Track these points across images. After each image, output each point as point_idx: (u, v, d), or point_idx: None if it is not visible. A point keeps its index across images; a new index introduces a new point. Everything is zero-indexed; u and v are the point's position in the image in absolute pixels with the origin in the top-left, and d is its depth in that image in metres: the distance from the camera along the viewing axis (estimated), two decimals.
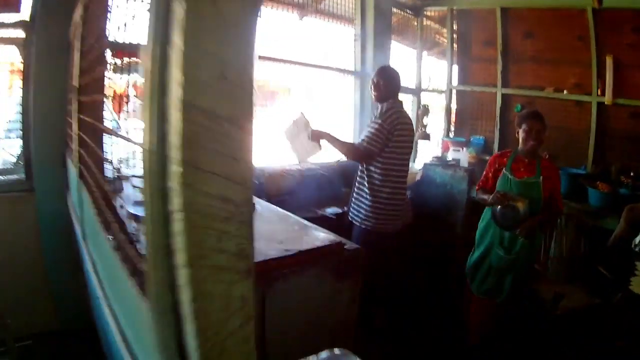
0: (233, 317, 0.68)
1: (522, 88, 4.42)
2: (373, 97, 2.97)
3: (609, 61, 3.73)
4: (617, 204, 3.15)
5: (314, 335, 1.59)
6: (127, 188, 2.31)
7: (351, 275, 1.77)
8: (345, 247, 1.79)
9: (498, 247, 2.76)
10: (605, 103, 3.84)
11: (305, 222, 2.03)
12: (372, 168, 2.83)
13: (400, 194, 2.92)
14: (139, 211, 1.84)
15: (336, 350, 1.19)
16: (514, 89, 4.49)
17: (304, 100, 4.03)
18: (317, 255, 1.66)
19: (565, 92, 4.13)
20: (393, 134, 2.79)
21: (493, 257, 2.78)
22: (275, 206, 2.28)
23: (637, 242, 2.49)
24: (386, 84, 2.91)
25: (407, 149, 2.94)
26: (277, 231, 1.84)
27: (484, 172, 3.02)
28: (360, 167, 2.93)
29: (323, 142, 2.90)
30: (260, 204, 2.22)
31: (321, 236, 1.82)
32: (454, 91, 4.98)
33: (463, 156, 4.21)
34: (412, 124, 2.99)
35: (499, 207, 2.67)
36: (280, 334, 1.50)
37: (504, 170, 2.82)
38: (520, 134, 2.78)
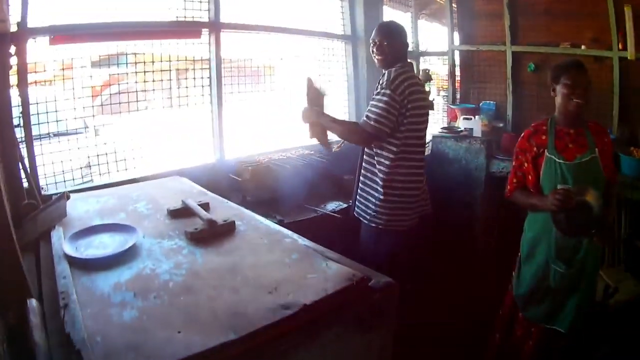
0: None
1: (535, 45, 3.98)
2: (377, 62, 2.39)
3: (627, 12, 3.32)
4: None
5: None
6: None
7: (383, 321, 1.24)
8: (371, 283, 1.23)
9: (555, 262, 2.09)
10: (628, 58, 3.44)
11: (306, 242, 1.47)
12: (383, 152, 2.28)
13: (417, 181, 2.38)
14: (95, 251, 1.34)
15: None
16: (524, 46, 4.05)
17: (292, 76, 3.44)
18: (332, 307, 1.12)
19: (583, 47, 3.70)
20: (407, 106, 2.22)
21: (552, 276, 2.11)
22: (262, 218, 1.72)
23: None
24: (392, 44, 2.34)
25: (424, 124, 2.39)
26: (267, 267, 1.29)
27: (515, 163, 2.28)
28: (366, 151, 2.38)
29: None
30: (242, 218, 1.67)
31: (334, 270, 1.27)
32: (456, 53, 4.47)
33: (476, 125, 3.73)
34: (427, 92, 2.41)
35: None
36: None
37: (546, 152, 2.12)
38: (559, 92, 2.13)
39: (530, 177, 2.20)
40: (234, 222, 1.58)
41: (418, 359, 2.38)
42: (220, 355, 0.91)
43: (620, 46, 3.50)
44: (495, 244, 3.70)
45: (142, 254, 1.38)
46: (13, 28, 1.99)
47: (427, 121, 2.43)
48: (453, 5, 4.37)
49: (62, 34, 2.23)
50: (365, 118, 2.25)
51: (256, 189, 2.63)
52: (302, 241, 1.49)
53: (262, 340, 0.97)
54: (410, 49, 4.26)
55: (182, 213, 1.70)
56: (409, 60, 2.41)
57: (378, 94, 2.25)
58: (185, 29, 2.72)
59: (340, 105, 3.76)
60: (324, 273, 1.24)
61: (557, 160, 2.08)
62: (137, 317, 1.04)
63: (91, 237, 1.50)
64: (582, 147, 2.10)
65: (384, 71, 2.33)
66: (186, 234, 1.49)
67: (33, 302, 1.08)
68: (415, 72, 4.22)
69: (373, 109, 2.22)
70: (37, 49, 2.20)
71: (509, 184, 2.31)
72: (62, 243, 1.43)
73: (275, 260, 1.32)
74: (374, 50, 2.37)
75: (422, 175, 2.42)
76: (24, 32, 2.08)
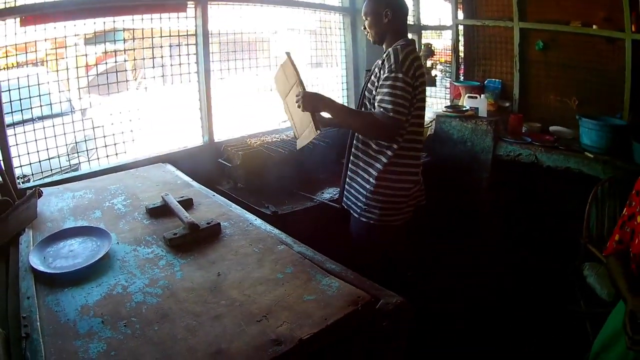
0: None
1: (543, 22, 3.79)
2: (374, 36, 2.08)
3: None
4: None
5: None
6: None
7: (392, 346, 1.09)
8: (379, 305, 1.06)
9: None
10: None
11: (302, 248, 1.31)
12: (386, 142, 2.02)
13: (415, 173, 2.10)
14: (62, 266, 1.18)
15: None
16: (533, 22, 3.85)
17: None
18: (334, 339, 0.97)
19: (594, 27, 3.52)
20: (417, 89, 1.93)
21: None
22: (252, 217, 1.55)
23: None
24: (396, 16, 2.01)
25: (424, 106, 2.10)
26: (256, 286, 1.13)
27: (626, 211, 1.56)
28: (356, 135, 2.12)
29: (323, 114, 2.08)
30: (229, 218, 1.51)
31: (335, 289, 1.10)
32: (460, 27, 4.24)
33: (482, 104, 3.53)
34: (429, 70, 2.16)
35: None
36: None
37: None
38: None
39: (638, 241, 1.44)
40: (219, 224, 1.42)
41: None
42: None
43: (633, 28, 3.32)
44: (501, 233, 3.62)
45: (114, 266, 1.22)
46: None
47: (425, 101, 2.13)
48: None
49: (32, 14, 2.02)
50: (381, 109, 1.89)
51: (247, 175, 2.45)
52: (298, 247, 1.33)
53: None
54: (410, 22, 4.07)
55: (162, 212, 1.54)
56: (409, 36, 2.11)
57: (388, 78, 1.90)
58: (169, 2, 2.49)
59: (336, 83, 3.54)
60: (324, 294, 1.08)
61: None
62: (104, 351, 0.89)
63: (61, 243, 1.35)
64: None
65: (385, 49, 2.03)
66: (165, 240, 1.34)
67: None
68: (419, 45, 4.05)
69: (388, 97, 1.87)
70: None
71: (610, 239, 1.62)
72: (29, 252, 1.28)
73: (266, 277, 1.17)
74: (373, 23, 2.03)
75: (420, 166, 2.14)
76: None
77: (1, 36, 1.97)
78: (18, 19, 2.01)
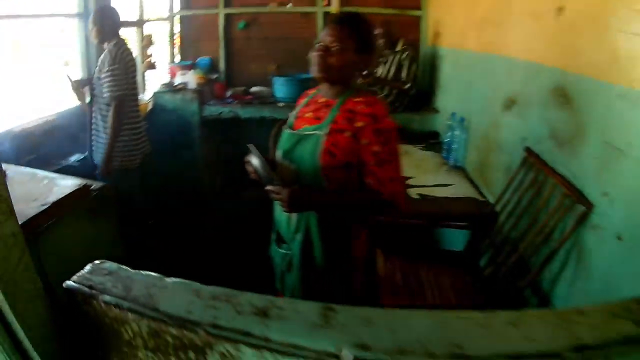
0: (12, 250, 0.83)
1: (245, 6, 4.91)
2: (95, 38, 3.01)
3: None
4: None
5: None
6: None
7: (105, 213, 2.16)
8: (91, 188, 2.08)
9: None
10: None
11: (52, 174, 2.22)
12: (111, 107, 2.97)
13: (138, 127, 3.19)
14: None
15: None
16: (236, 7, 4.94)
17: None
18: (69, 202, 1.95)
19: (289, 5, 4.77)
20: (130, 71, 3.00)
21: None
22: (26, 167, 2.38)
23: None
24: (109, 23, 2.97)
25: (136, 81, 3.21)
26: (31, 190, 1.99)
27: None
28: (96, 107, 3.06)
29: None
30: (10, 170, 2.26)
31: (69, 184, 2.03)
32: (177, 18, 5.20)
33: (190, 78, 4.47)
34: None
35: None
36: (57, 272, 1.71)
37: None
38: None
39: None
40: (5, 170, 1.89)
41: None
42: None
43: (325, 3, 4.53)
44: (221, 182, 4.54)
45: None
46: None
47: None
48: None
49: None
50: (108, 94, 2.92)
51: (20, 152, 2.94)
52: (50, 174, 2.23)
53: (35, 224, 1.77)
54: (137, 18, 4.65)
55: None
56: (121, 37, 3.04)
57: (109, 70, 2.89)
58: None
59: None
60: (64, 186, 2.03)
61: None
62: None
63: None
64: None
65: (106, 47, 2.94)
66: None
67: None
68: (140, 38, 4.69)
69: (111, 85, 2.90)
70: None
71: None
72: None
73: (35, 187, 1.97)
74: (93, 29, 2.94)
75: (141, 121, 3.23)
76: None
77: None
78: None
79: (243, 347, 0.77)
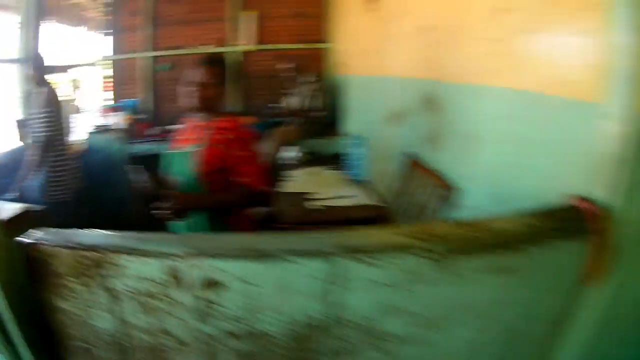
0: None
1: (170, 49, 5.16)
2: (32, 82, 3.26)
3: (243, 15, 5.04)
4: None
5: None
6: None
7: None
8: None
9: None
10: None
11: None
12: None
13: (67, 165, 3.44)
14: None
15: None
16: (162, 51, 5.18)
17: None
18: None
19: (212, 46, 5.14)
20: (61, 114, 3.26)
21: None
22: None
23: None
24: (43, 68, 3.25)
25: (64, 123, 3.41)
26: None
27: None
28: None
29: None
30: None
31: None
32: (108, 62, 5.34)
33: (119, 119, 4.81)
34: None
35: None
36: None
37: None
38: None
39: None
40: None
41: None
42: None
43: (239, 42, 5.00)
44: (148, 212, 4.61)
45: None
46: None
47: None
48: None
49: None
50: (38, 137, 3.13)
51: None
52: None
53: None
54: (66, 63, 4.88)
55: None
56: (49, 80, 3.31)
57: (41, 112, 3.12)
58: None
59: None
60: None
61: None
62: None
63: None
64: None
65: (38, 89, 3.16)
66: None
67: None
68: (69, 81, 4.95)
69: (45, 127, 3.13)
70: None
71: None
72: None
73: None
74: (29, 74, 3.24)
75: (71, 159, 3.50)
76: None
77: None
78: None
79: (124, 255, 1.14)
